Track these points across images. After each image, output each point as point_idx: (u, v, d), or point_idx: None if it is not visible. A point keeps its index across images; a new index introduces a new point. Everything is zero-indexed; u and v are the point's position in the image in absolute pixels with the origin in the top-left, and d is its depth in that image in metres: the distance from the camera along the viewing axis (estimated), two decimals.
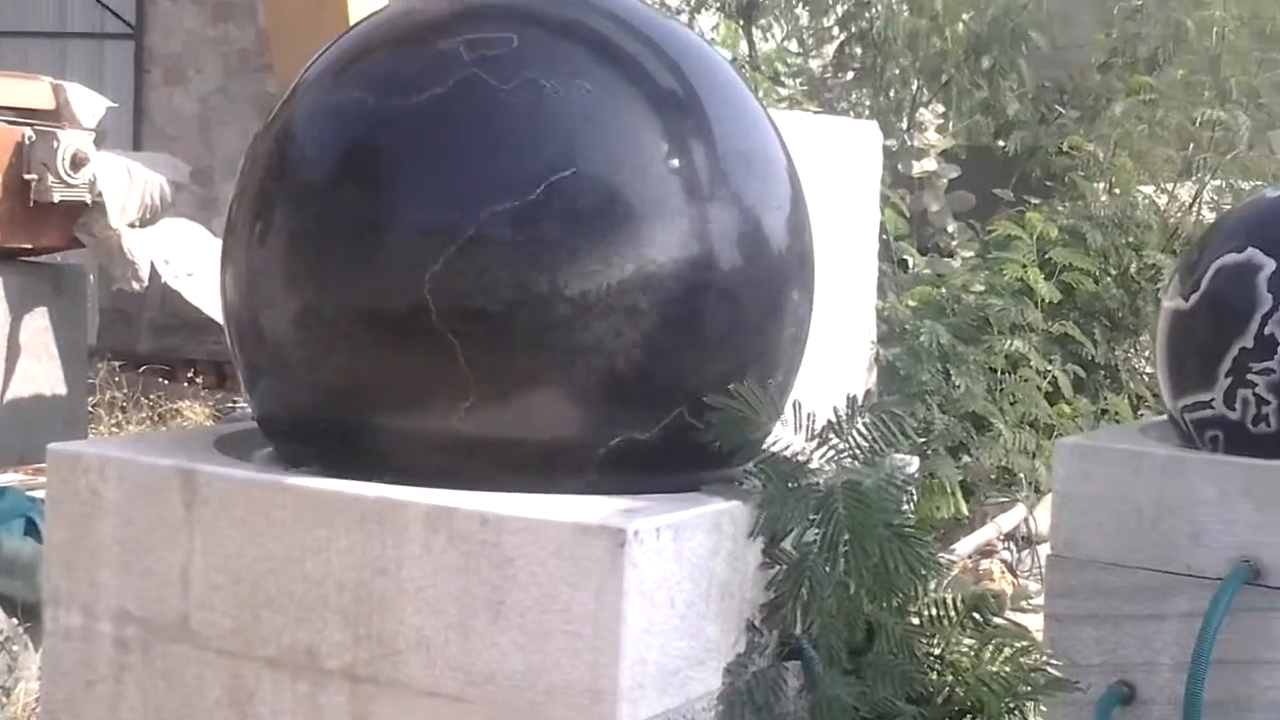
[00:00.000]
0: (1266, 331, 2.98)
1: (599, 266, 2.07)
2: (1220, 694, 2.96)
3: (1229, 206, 4.96)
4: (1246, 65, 6.76)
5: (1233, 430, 3.02)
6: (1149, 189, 6.79)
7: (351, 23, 2.40)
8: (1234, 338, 3.00)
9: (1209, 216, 6.20)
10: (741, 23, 7.12)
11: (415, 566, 2.01)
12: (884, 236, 5.82)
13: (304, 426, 2.21)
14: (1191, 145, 6.70)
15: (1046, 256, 6.01)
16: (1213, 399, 3.02)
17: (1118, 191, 6.61)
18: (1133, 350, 6.19)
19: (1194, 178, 6.72)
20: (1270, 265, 3.01)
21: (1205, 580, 2.99)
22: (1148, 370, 6.00)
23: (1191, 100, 6.71)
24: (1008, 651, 2.33)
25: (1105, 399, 6.04)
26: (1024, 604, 4.52)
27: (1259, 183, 5.99)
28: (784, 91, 7.04)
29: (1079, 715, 3.05)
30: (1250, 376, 2.98)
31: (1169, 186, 6.80)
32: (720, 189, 2.18)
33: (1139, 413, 5.93)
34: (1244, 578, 2.95)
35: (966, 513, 5.10)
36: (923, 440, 5.48)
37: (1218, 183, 6.63)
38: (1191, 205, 6.70)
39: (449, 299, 2.05)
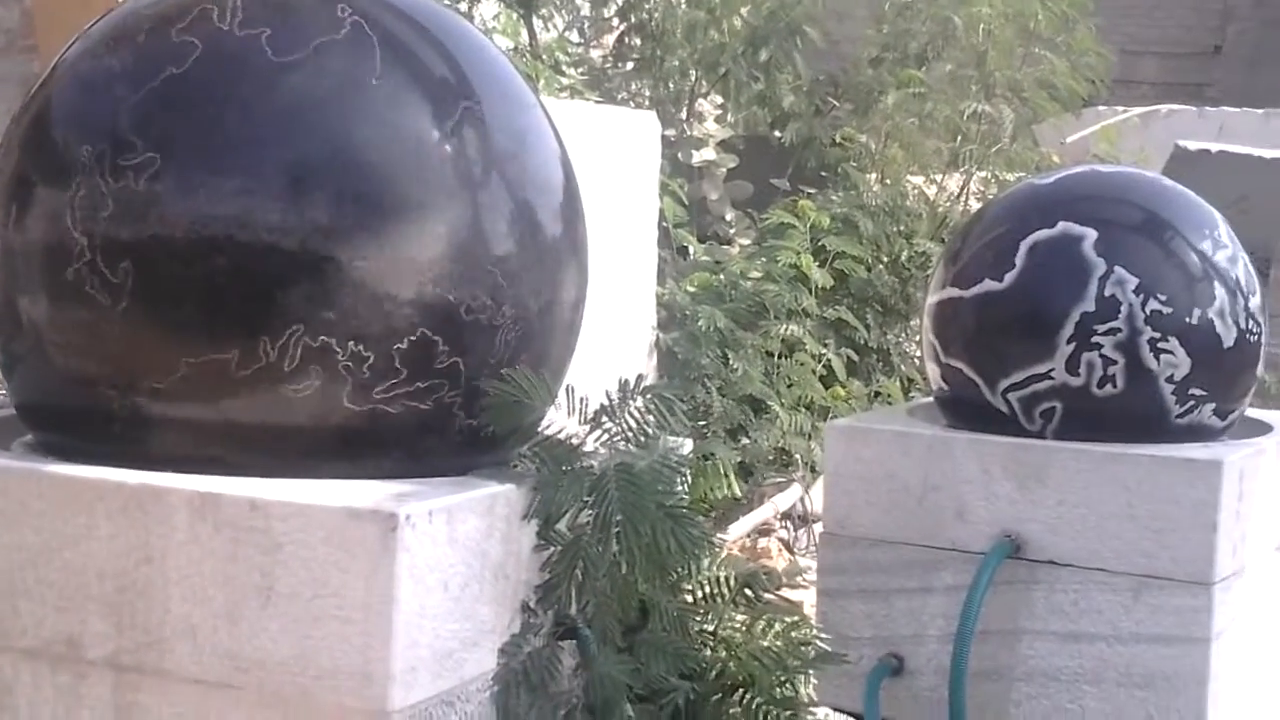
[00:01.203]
0: (1107, 293, 3.08)
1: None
2: (985, 664, 3.05)
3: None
4: (1011, 61, 6.97)
5: (1073, 397, 3.08)
6: (919, 179, 6.98)
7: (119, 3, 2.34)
8: (1073, 304, 3.08)
9: (976, 206, 6.37)
10: (521, 12, 7.12)
11: (181, 554, 1.98)
12: (664, 224, 5.87)
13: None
14: (959, 137, 6.89)
15: (820, 244, 6.13)
16: (1051, 369, 3.08)
17: (889, 182, 6.77)
18: (904, 334, 6.34)
19: (961, 169, 6.91)
20: (1091, 234, 3.12)
21: (969, 555, 3.08)
22: (918, 354, 6.15)
23: (959, 94, 6.90)
24: (778, 627, 2.38)
25: (878, 381, 6.18)
26: (800, 580, 4.60)
27: (1022, 174, 6.19)
28: (565, 81, 7.06)
29: (851, 687, 3.13)
30: (1096, 339, 3.06)
31: (938, 177, 6.99)
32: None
33: (909, 395, 6.08)
34: (1005, 552, 3.05)
35: (740, 494, 5.17)
36: (703, 423, 5.55)
37: (984, 174, 6.84)
38: (959, 195, 6.89)
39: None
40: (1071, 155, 7.70)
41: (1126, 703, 2.98)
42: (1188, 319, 3.09)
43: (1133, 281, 3.07)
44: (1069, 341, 3.07)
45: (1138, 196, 3.30)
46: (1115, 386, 3.07)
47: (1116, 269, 3.08)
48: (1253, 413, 3.41)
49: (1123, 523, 2.97)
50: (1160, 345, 3.07)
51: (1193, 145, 8.07)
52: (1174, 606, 2.94)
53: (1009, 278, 3.14)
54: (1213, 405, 3.14)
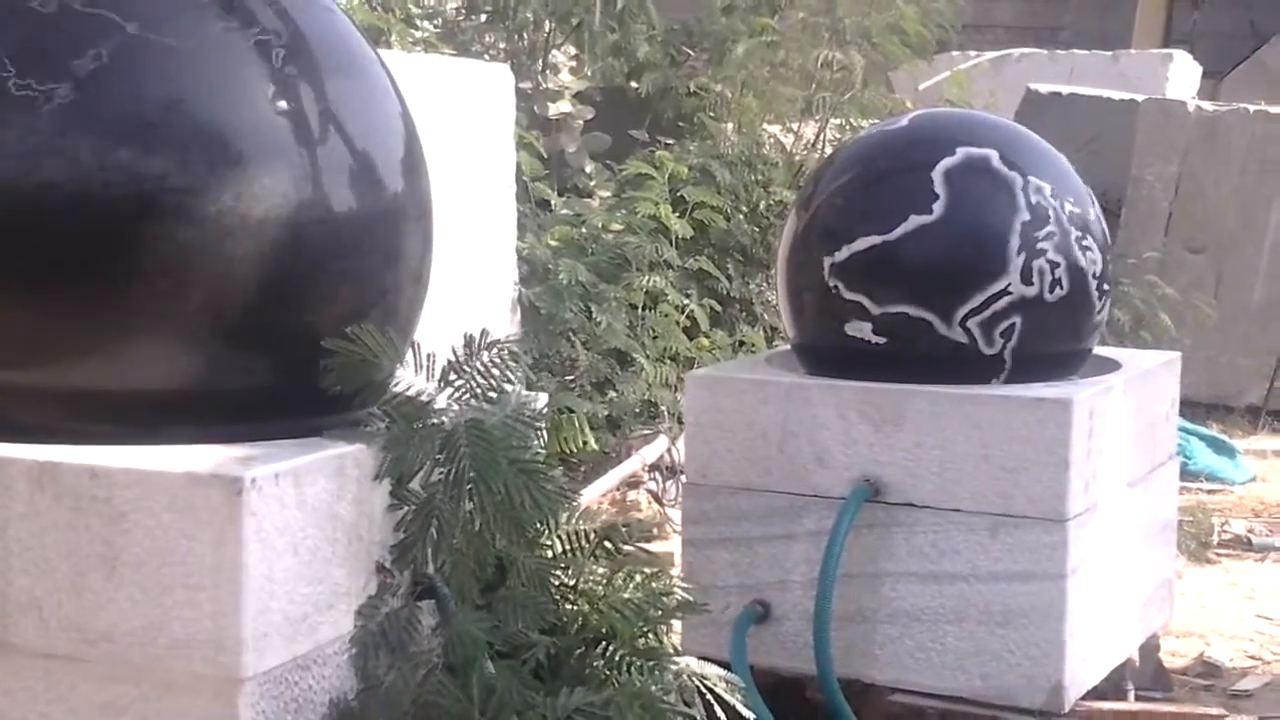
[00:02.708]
0: (1033, 201, 3.14)
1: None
2: (848, 607, 3.09)
3: None
4: (861, 7, 7.00)
5: (1030, 307, 3.11)
6: (775, 128, 7.00)
7: None
8: (1012, 215, 3.12)
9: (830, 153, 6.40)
10: None
11: (21, 526, 1.94)
12: (522, 179, 5.82)
13: None
14: (814, 85, 6.91)
15: (679, 195, 6.13)
16: (1009, 284, 3.09)
17: (744, 131, 6.78)
18: (764, 284, 6.37)
19: (815, 116, 6.94)
20: (993, 152, 3.18)
21: (830, 500, 3.11)
22: (776, 302, 6.18)
23: (811, 42, 6.91)
24: (639, 578, 2.37)
25: (741, 331, 6.21)
26: (670, 531, 4.62)
27: (875, 120, 6.23)
28: (418, 35, 6.96)
29: (718, 635, 3.14)
30: (1039, 245, 3.12)
31: (793, 126, 7.02)
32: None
33: (773, 343, 6.11)
34: (865, 495, 3.07)
35: (596, 446, 5.17)
36: (569, 377, 5.54)
37: (838, 121, 6.87)
38: (814, 143, 6.93)
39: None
40: (925, 101, 7.78)
41: (987, 639, 3.03)
42: (1089, 217, 3.24)
43: (1047, 187, 3.19)
44: (1019, 253, 3.12)
45: (990, 127, 3.44)
46: (1062, 289, 3.15)
47: (1030, 178, 3.18)
48: (1102, 350, 3.47)
49: (977, 463, 3.01)
50: (1083, 243, 3.19)
51: (1044, 88, 8.20)
52: (1029, 544, 2.99)
53: (937, 207, 3.13)
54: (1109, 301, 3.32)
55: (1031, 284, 3.11)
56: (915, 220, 3.13)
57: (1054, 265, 3.13)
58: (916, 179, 3.16)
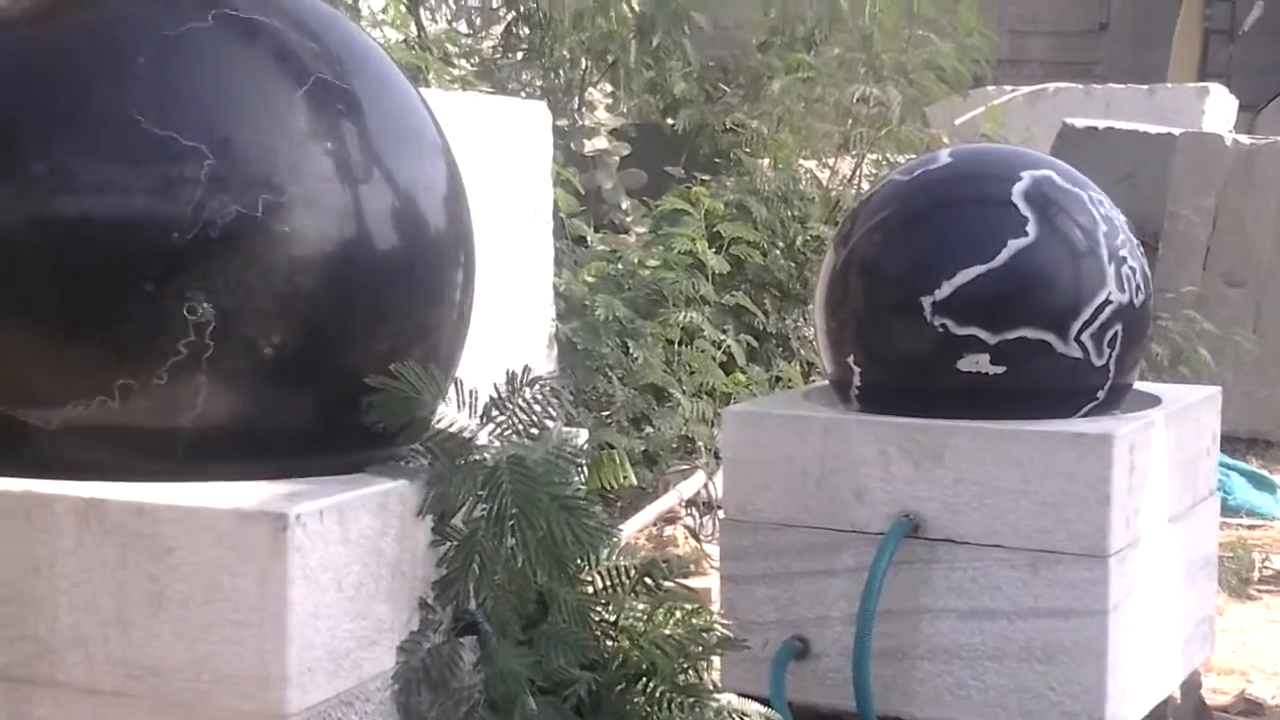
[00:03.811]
0: (1103, 212, 3.22)
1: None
2: (888, 643, 3.08)
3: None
4: (898, 44, 7.02)
5: (1127, 313, 3.17)
6: (810, 164, 7.01)
7: None
8: (1094, 227, 3.18)
9: (867, 188, 6.42)
10: (408, 4, 7.07)
11: (68, 562, 1.95)
12: (559, 215, 5.85)
13: None
14: (849, 121, 6.93)
15: (715, 230, 6.14)
16: (1109, 293, 3.14)
17: (780, 167, 6.80)
18: (801, 319, 6.37)
19: (852, 152, 6.96)
20: (1053, 174, 3.25)
21: (869, 536, 3.10)
22: (813, 338, 6.18)
23: (847, 77, 6.94)
24: (679, 614, 2.38)
25: (778, 367, 6.21)
26: (707, 567, 4.61)
27: (912, 155, 6.24)
28: (455, 73, 7.01)
29: (757, 671, 3.14)
30: (1120, 253, 3.19)
31: (829, 161, 7.03)
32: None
33: (810, 379, 6.11)
34: (904, 531, 3.07)
35: (639, 483, 5.17)
36: (605, 413, 5.54)
37: (875, 156, 6.88)
38: (851, 178, 6.93)
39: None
40: (962, 136, 7.79)
41: (1028, 677, 3.01)
42: (1132, 231, 3.32)
43: (1104, 200, 3.26)
44: (1109, 261, 3.17)
45: (1033, 155, 3.51)
46: (1142, 293, 3.22)
47: (1090, 193, 3.25)
48: (1141, 386, 3.46)
49: (1018, 499, 3.00)
50: (1140, 252, 3.28)
51: (1080, 122, 8.19)
52: (1071, 580, 2.97)
53: (1030, 229, 3.14)
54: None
55: (1124, 291, 3.17)
56: (1014, 244, 3.13)
57: (1133, 271, 3.21)
58: (1000, 205, 3.18)
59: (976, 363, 3.12)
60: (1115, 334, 3.15)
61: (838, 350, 3.32)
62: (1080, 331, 3.12)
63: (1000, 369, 3.12)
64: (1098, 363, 3.15)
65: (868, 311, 3.28)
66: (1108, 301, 3.15)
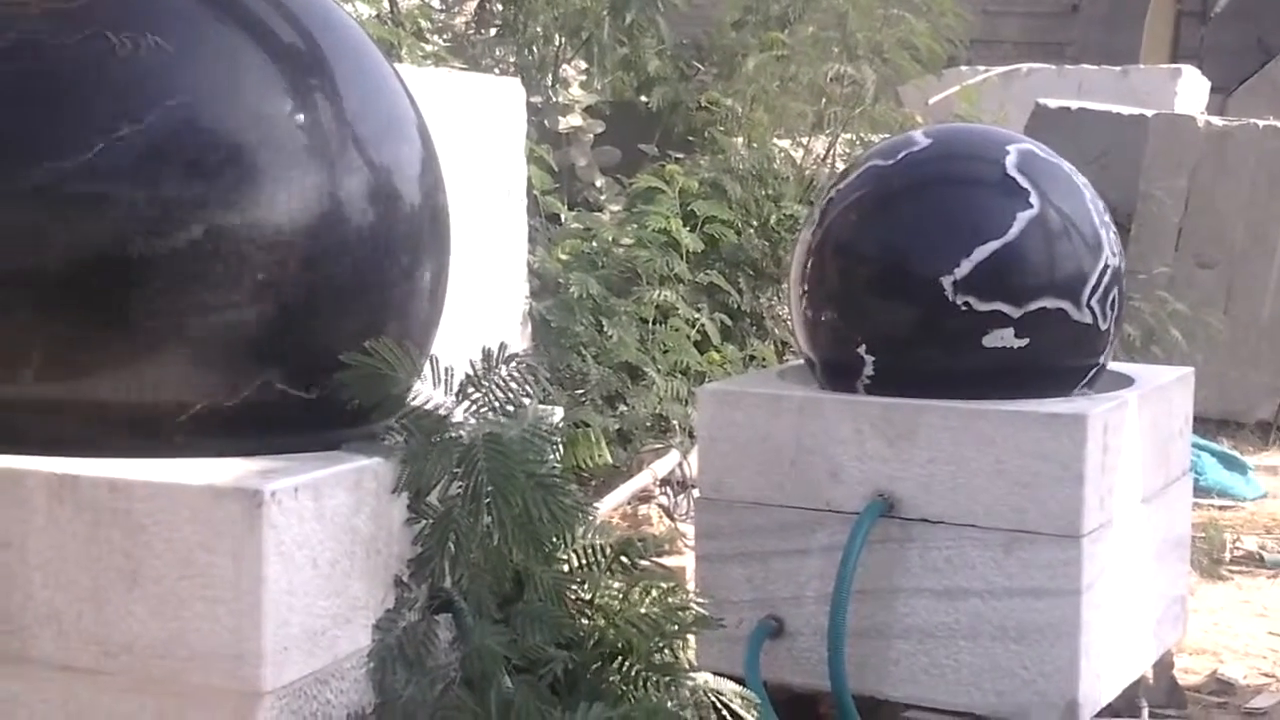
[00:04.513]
0: (1083, 180, 3.32)
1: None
2: (863, 623, 3.08)
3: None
4: (872, 22, 7.01)
5: (1119, 279, 3.26)
6: (785, 143, 6.99)
7: None
8: (1084, 194, 3.28)
9: (841, 168, 6.42)
10: None
11: (41, 538, 1.94)
12: (533, 192, 5.83)
13: None
14: (824, 100, 6.91)
15: (689, 209, 6.13)
16: (1107, 257, 3.23)
17: (755, 145, 6.78)
18: (776, 298, 6.36)
19: (826, 131, 6.95)
20: (1035, 147, 3.32)
21: (844, 515, 3.10)
22: (789, 317, 6.18)
23: (821, 56, 6.92)
24: (655, 593, 2.37)
25: (752, 345, 6.20)
26: (682, 546, 4.61)
27: (886, 135, 6.23)
28: (428, 48, 6.97)
29: (732, 650, 3.14)
30: (1105, 219, 3.29)
31: (803, 140, 7.01)
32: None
33: (784, 358, 6.11)
34: (879, 510, 3.07)
35: (612, 461, 5.16)
36: (580, 391, 5.53)
37: (849, 136, 6.87)
38: (825, 157, 6.93)
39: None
40: (935, 116, 7.78)
41: (1002, 656, 3.02)
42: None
43: (1078, 173, 3.34)
44: (1101, 227, 3.24)
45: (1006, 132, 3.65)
46: (1124, 258, 3.33)
47: (1068, 164, 3.33)
48: (1115, 366, 3.47)
49: (992, 479, 3.00)
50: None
51: (1053, 103, 8.20)
52: (1044, 560, 2.98)
53: (1034, 200, 3.16)
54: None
55: (1115, 255, 3.24)
56: (1022, 216, 3.14)
57: (1115, 236, 3.28)
58: (998, 180, 3.19)
59: (1002, 338, 3.11)
60: (1114, 298, 3.21)
61: (837, 339, 3.24)
62: (1090, 297, 3.16)
63: (1024, 341, 3.12)
64: (1103, 327, 3.20)
65: (879, 298, 3.23)
66: (1106, 265, 3.20)
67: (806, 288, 3.31)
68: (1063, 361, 3.19)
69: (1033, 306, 3.11)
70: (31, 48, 2.04)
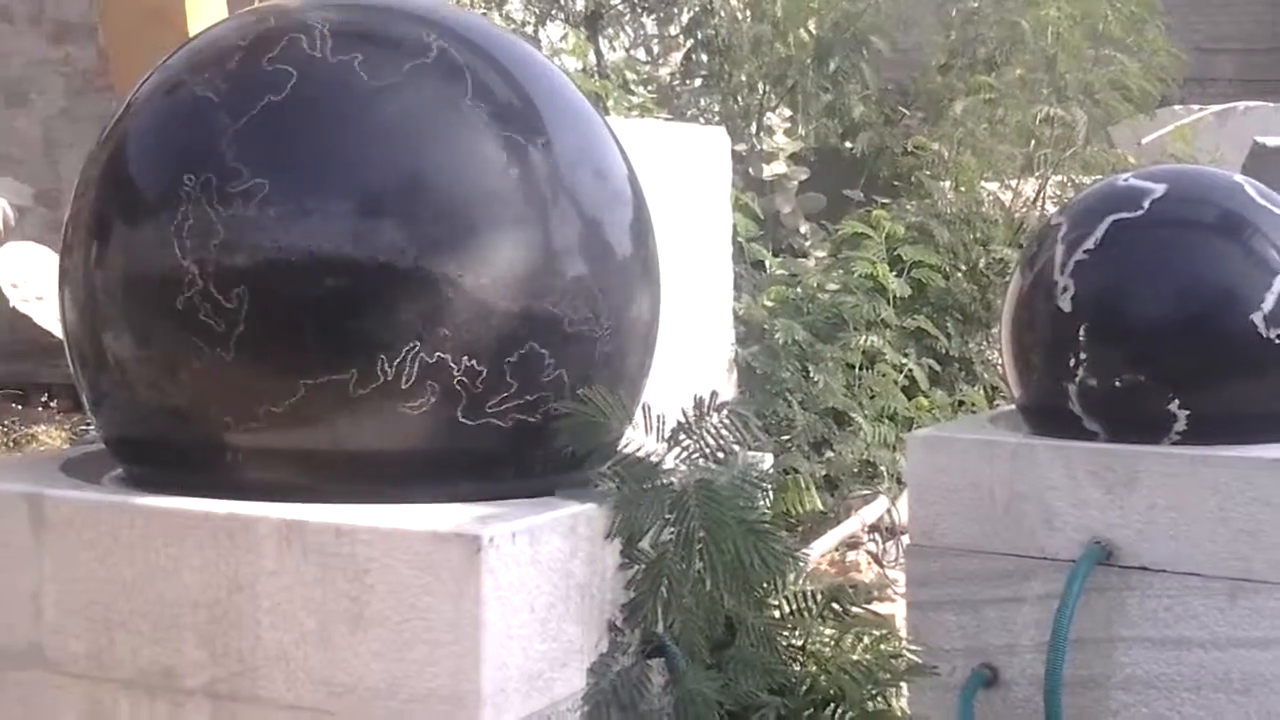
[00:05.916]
0: None
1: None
2: (1080, 672, 3.02)
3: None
4: (1081, 63, 6.92)
5: None
6: (993, 185, 6.93)
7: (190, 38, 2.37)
8: None
9: (1052, 211, 6.33)
10: (588, 33, 7.15)
11: (270, 581, 2.00)
12: (738, 239, 5.86)
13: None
14: (1033, 142, 6.84)
15: (896, 254, 6.10)
16: None
17: (963, 189, 6.73)
18: (985, 342, 6.30)
19: (1036, 173, 6.86)
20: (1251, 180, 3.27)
21: (1059, 563, 3.05)
22: (1000, 361, 6.11)
23: (1030, 98, 6.85)
24: (867, 640, 2.36)
25: (961, 391, 6.14)
26: (891, 594, 4.57)
27: (1099, 176, 6.13)
28: (634, 100, 7.07)
29: (945, 699, 3.10)
30: None
31: (1012, 183, 6.94)
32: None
33: (994, 403, 6.03)
34: (1096, 558, 3.01)
35: (821, 507, 5.15)
36: (785, 438, 5.53)
37: (1059, 178, 6.78)
38: (1035, 200, 6.84)
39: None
40: (1148, 156, 7.63)
41: (1226, 708, 2.94)
42: None
43: None
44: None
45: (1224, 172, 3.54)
46: None
47: None
48: None
49: (1214, 526, 2.93)
50: None
51: (1271, 141, 7.97)
52: (1271, 609, 2.89)
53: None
54: None
55: None
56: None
57: None
58: (1260, 211, 3.15)
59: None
60: None
61: (1138, 401, 3.08)
62: None
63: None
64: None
65: (1191, 348, 3.08)
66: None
67: (1085, 356, 3.11)
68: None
69: None
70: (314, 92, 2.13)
